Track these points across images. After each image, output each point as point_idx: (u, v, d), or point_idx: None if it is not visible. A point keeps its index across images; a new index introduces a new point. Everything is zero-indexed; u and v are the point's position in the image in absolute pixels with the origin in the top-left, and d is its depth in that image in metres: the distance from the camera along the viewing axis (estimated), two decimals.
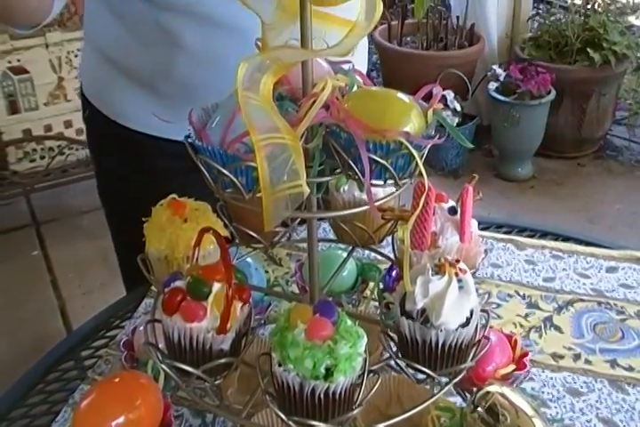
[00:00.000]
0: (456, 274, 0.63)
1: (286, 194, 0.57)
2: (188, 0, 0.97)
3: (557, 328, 0.99)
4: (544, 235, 1.21)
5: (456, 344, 0.62)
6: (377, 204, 0.60)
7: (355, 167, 0.59)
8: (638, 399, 0.87)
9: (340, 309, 0.59)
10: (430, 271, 0.63)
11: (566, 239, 1.19)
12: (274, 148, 0.56)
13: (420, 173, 0.63)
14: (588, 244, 1.17)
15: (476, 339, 0.66)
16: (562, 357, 0.94)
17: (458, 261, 0.65)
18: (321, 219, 0.94)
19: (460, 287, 0.63)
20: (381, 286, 0.89)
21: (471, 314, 0.63)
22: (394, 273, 0.86)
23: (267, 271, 1.03)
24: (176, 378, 0.63)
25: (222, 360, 0.62)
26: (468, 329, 0.62)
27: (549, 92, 3.06)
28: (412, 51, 3.33)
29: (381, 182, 0.62)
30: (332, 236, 0.95)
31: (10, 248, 2.69)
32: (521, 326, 0.99)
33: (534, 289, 1.07)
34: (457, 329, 0.61)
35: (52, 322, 2.41)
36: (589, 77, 3.17)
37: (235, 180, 0.60)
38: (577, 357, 0.94)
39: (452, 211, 0.74)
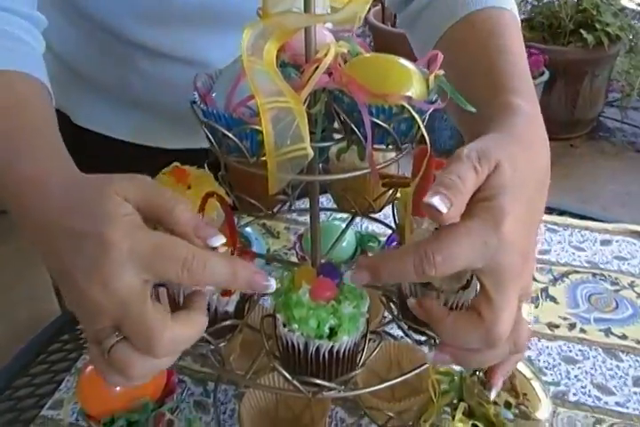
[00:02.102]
0: None
1: (290, 157, 0.58)
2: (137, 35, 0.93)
3: (553, 299, 1.00)
4: None
5: (457, 306, 0.63)
6: (378, 167, 0.61)
7: (357, 132, 0.60)
8: (632, 366, 0.89)
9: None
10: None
11: (561, 213, 1.20)
12: (278, 111, 0.57)
13: (421, 140, 0.64)
14: (582, 217, 1.18)
15: None
16: (557, 326, 0.96)
17: None
18: (323, 191, 0.94)
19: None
20: None
21: (471, 277, 0.64)
22: (393, 243, 0.87)
23: (266, 244, 1.04)
24: None
25: (228, 322, 0.63)
26: (468, 292, 0.63)
27: (542, 74, 3.06)
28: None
29: (383, 147, 0.63)
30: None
31: (1, 230, 2.67)
32: None
33: None
34: (457, 292, 0.62)
35: (47, 303, 2.41)
36: (582, 59, 3.18)
37: (239, 143, 0.60)
38: (572, 326, 0.96)
39: None
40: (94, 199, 0.50)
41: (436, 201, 0.49)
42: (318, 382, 0.59)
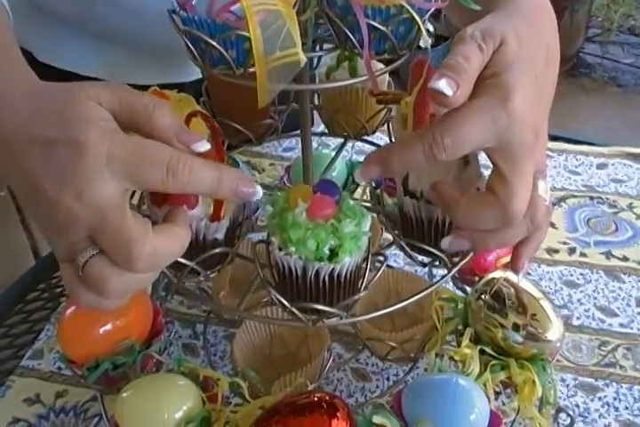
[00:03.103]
0: None
1: (281, 64, 0.53)
2: None
3: (551, 224, 0.97)
4: None
5: None
6: (376, 73, 0.56)
7: (352, 37, 0.54)
8: (634, 287, 0.87)
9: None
10: None
11: (555, 139, 1.16)
12: (266, 15, 0.51)
13: (419, 48, 0.59)
14: (577, 142, 1.15)
15: None
16: (557, 251, 0.93)
17: None
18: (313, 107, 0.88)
19: (466, 162, 0.59)
20: (373, 184, 0.86)
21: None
22: None
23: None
24: (168, 273, 0.60)
25: (217, 250, 0.58)
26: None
27: None
28: None
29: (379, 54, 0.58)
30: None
31: None
32: None
33: None
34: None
35: (25, 262, 2.35)
36: None
37: (224, 53, 0.55)
38: (572, 250, 0.93)
39: None
40: (65, 103, 0.45)
41: (442, 84, 0.47)
42: (319, 307, 0.54)
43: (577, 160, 1.10)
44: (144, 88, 0.94)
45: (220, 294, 0.76)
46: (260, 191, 0.50)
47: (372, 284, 0.58)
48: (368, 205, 0.85)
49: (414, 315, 0.74)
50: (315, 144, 1.02)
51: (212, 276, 0.61)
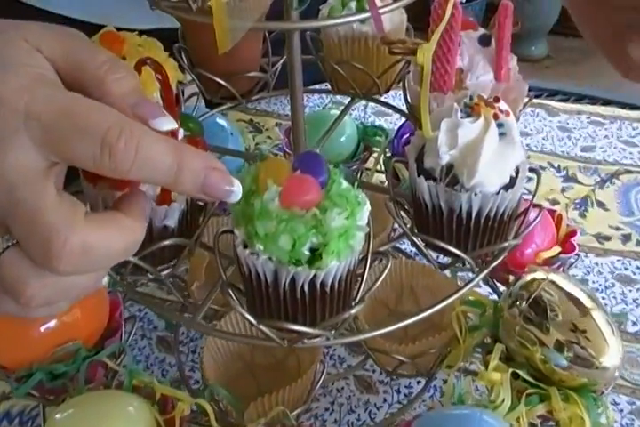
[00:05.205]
0: (495, 116, 0.44)
1: None
2: None
3: (601, 205, 0.82)
4: (579, 99, 1.02)
5: (496, 214, 0.44)
6: (382, 11, 0.40)
7: None
8: None
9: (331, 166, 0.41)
10: (459, 113, 0.45)
11: (607, 103, 1.00)
12: None
13: None
14: (633, 107, 0.98)
15: (522, 209, 0.48)
16: (608, 238, 0.78)
17: (497, 99, 0.46)
18: (318, 80, 0.72)
19: (502, 134, 0.44)
20: (388, 152, 0.71)
21: (516, 173, 0.45)
22: (404, 136, 0.68)
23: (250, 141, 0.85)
24: (109, 271, 0.46)
25: (167, 242, 0.44)
26: (513, 193, 0.44)
27: None
28: None
29: None
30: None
31: None
32: (557, 203, 0.82)
33: (571, 160, 0.89)
34: (498, 193, 0.43)
35: None
36: None
37: None
38: (627, 238, 0.78)
39: (485, 40, 0.54)
40: None
41: None
42: (295, 328, 0.40)
43: (633, 129, 0.94)
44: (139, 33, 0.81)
45: (194, 285, 0.62)
46: (238, 191, 0.36)
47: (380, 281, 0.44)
48: (381, 178, 0.71)
49: (431, 320, 0.60)
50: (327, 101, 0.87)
51: (164, 273, 0.46)
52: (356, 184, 0.40)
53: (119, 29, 0.75)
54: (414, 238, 0.46)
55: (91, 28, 0.92)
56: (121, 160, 0.33)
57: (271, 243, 0.38)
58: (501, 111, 0.45)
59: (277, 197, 0.38)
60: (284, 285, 0.39)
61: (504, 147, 0.44)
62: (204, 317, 0.57)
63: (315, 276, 0.39)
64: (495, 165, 0.43)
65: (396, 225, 0.66)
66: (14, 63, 0.35)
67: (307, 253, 0.38)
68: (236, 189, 0.36)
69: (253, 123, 0.95)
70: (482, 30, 0.55)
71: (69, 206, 0.34)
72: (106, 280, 0.64)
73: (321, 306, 0.40)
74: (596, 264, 0.74)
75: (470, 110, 0.45)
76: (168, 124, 0.36)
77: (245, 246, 0.40)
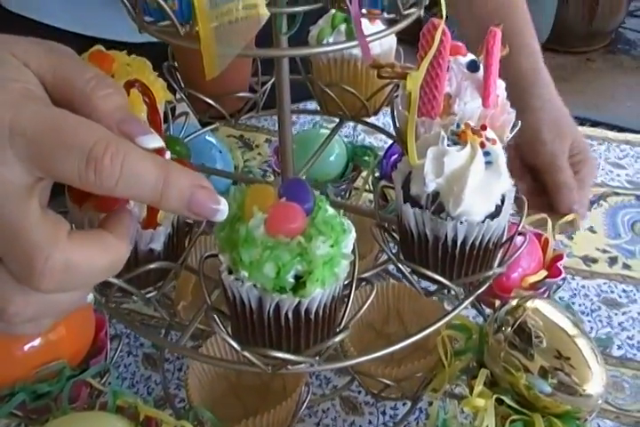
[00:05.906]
0: (482, 145, 0.45)
1: (234, 19, 0.38)
2: None
3: (589, 227, 0.82)
4: None
5: (481, 243, 0.44)
6: (369, 39, 0.41)
7: None
8: None
9: (317, 193, 0.41)
10: (446, 141, 0.45)
11: (595, 124, 1.00)
12: None
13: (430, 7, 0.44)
14: (621, 130, 0.99)
15: (508, 235, 0.48)
16: (595, 261, 0.78)
17: (485, 127, 0.46)
18: (307, 96, 0.73)
19: (488, 163, 0.44)
20: (377, 173, 0.71)
21: (502, 201, 0.45)
22: (393, 157, 0.68)
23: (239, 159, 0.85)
24: (93, 291, 0.46)
25: (152, 265, 0.44)
26: (498, 221, 0.44)
27: None
28: None
29: (378, 12, 0.43)
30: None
31: None
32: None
33: None
34: (484, 221, 0.43)
35: None
36: None
37: (163, 4, 0.40)
38: (613, 261, 0.78)
39: (473, 66, 0.54)
40: None
41: None
42: (279, 355, 0.40)
43: (621, 151, 0.94)
44: (129, 45, 0.81)
45: (180, 304, 0.62)
46: (224, 209, 0.36)
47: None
48: (370, 197, 0.71)
49: (417, 343, 0.60)
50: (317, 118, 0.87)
51: (148, 296, 0.46)
52: (341, 212, 0.41)
53: (110, 42, 0.75)
54: (400, 265, 0.46)
55: (82, 41, 0.93)
56: (107, 176, 0.33)
57: (256, 270, 0.38)
58: (488, 139, 0.45)
59: (263, 225, 0.38)
60: (269, 311, 0.39)
61: (490, 175, 0.44)
62: (190, 336, 0.58)
63: (299, 303, 0.39)
64: (481, 194, 0.43)
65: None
66: (1, 78, 0.35)
67: (291, 280, 0.38)
68: (223, 208, 0.36)
69: (243, 139, 0.95)
70: (470, 56, 0.56)
71: (53, 224, 0.34)
72: (91, 297, 0.64)
73: (305, 333, 0.40)
74: (583, 287, 0.74)
75: (457, 138, 0.45)
76: (154, 141, 0.36)
77: (230, 272, 0.40)
